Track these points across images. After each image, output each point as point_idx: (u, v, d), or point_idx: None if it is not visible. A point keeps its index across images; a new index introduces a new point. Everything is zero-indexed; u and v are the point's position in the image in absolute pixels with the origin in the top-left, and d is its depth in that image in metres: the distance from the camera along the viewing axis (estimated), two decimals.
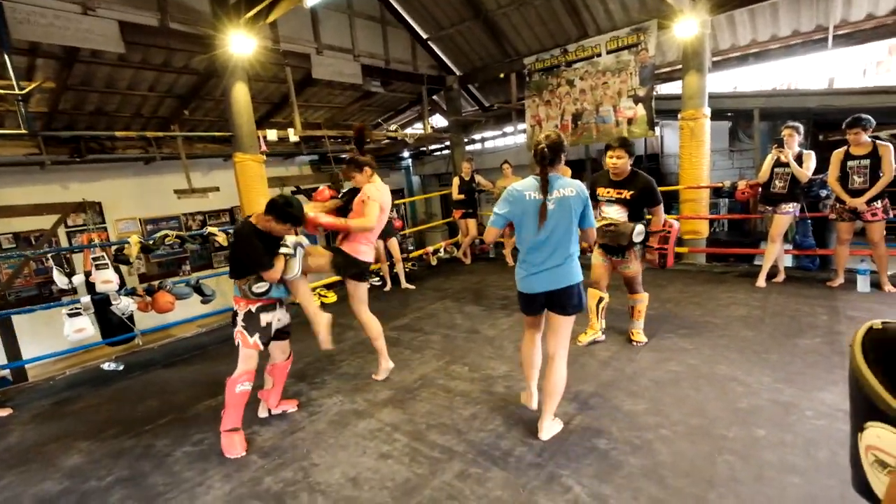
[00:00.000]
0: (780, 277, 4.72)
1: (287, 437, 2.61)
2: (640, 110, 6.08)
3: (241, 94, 5.22)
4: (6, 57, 3.94)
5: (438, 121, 10.08)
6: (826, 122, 5.97)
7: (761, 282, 4.61)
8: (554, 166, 2.22)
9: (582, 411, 2.59)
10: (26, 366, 5.47)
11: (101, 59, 5.07)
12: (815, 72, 7.56)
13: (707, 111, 5.65)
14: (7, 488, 2.34)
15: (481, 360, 3.40)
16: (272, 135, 5.60)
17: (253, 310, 2.52)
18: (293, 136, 5.96)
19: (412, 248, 7.36)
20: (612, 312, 3.83)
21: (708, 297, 4.46)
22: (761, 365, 2.96)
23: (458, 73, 8.30)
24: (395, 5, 7.28)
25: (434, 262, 7.36)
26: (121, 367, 3.99)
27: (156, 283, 4.56)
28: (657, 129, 7.06)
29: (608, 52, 6.25)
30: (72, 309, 3.91)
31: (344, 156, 11.20)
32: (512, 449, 2.30)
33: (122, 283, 4.30)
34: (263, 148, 5.49)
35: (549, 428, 2.37)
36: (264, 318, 2.55)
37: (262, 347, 2.55)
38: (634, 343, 3.45)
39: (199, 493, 2.18)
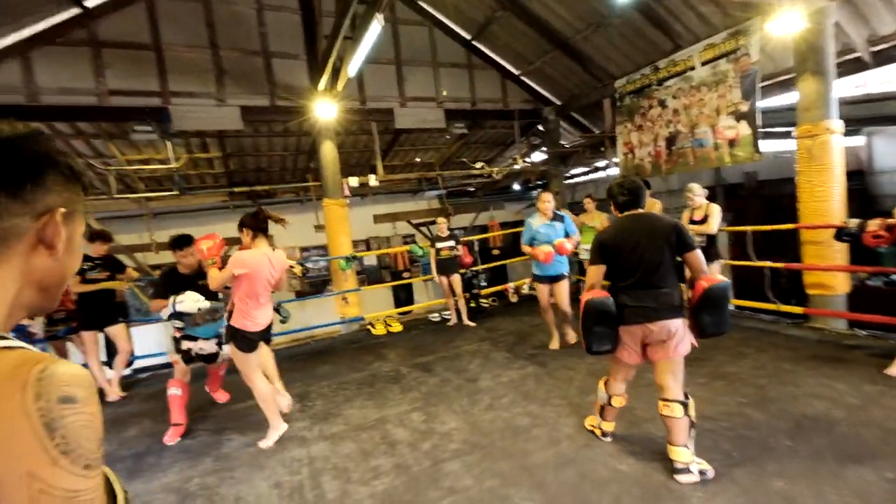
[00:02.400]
0: None
1: (247, 448, 3.09)
2: (744, 129, 4.89)
3: (327, 150, 6.27)
4: (167, 143, 5.79)
5: None
6: None
7: (894, 369, 3.20)
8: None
9: None
10: None
11: (242, 133, 6.79)
12: None
13: (836, 124, 4.22)
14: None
15: (443, 413, 3.34)
16: (353, 181, 6.51)
17: (178, 336, 3.29)
18: (374, 181, 6.77)
19: (485, 284, 7.33)
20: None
21: (792, 382, 3.28)
22: None
23: (557, 102, 8.04)
24: (483, 48, 7.57)
25: (514, 299, 7.17)
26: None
27: None
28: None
29: (703, 64, 5.25)
30: None
31: (471, 189, 11.93)
32: None
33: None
34: (346, 193, 6.42)
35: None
36: (185, 344, 3.29)
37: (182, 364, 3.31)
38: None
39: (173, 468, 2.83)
